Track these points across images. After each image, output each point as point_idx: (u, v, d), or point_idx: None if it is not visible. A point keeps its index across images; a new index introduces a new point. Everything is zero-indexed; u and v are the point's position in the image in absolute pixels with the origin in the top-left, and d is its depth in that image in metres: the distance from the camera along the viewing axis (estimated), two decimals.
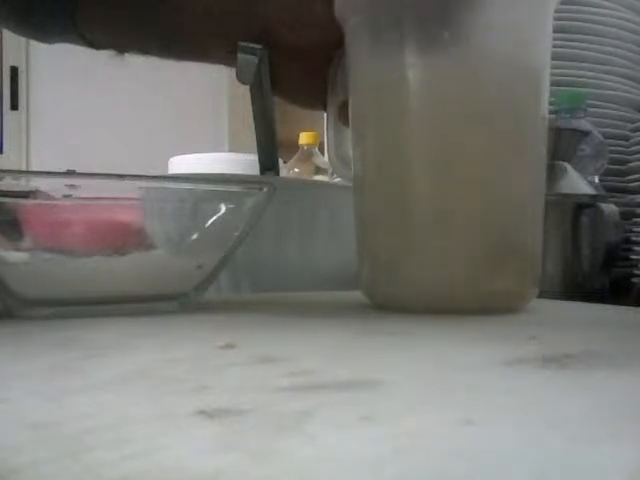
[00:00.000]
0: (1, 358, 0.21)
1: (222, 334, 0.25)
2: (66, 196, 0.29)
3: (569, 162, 0.62)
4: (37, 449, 0.11)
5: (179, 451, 0.11)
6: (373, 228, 0.35)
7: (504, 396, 0.15)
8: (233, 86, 1.79)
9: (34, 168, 2.08)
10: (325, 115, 0.43)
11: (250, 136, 0.48)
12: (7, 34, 2.18)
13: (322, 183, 0.83)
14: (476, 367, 0.19)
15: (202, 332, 0.27)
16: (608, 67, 0.77)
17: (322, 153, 1.09)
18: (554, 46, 0.35)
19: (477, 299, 0.32)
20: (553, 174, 0.60)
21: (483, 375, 0.18)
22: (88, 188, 0.30)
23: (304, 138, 1.14)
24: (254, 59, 0.42)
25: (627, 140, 0.72)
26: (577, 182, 0.61)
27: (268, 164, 0.45)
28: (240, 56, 0.42)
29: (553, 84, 0.36)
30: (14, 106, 2.26)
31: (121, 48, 0.46)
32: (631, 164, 0.70)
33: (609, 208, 0.57)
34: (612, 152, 0.72)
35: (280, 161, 0.47)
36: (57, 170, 0.32)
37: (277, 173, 0.45)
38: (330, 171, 0.94)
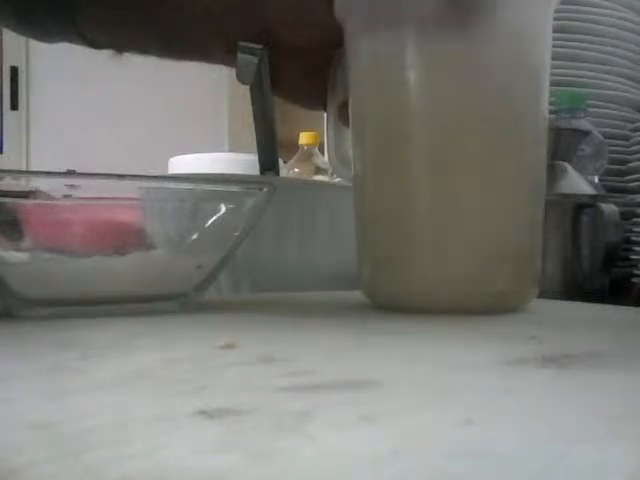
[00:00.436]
0: (1, 358, 0.21)
1: (222, 334, 0.25)
2: (66, 196, 0.29)
3: (569, 162, 0.62)
4: (37, 449, 0.11)
5: (179, 451, 0.11)
6: (373, 228, 0.35)
7: (504, 396, 0.15)
8: (233, 86, 1.79)
9: (34, 168, 2.08)
10: (325, 115, 0.43)
11: (250, 136, 0.48)
12: (7, 34, 2.18)
13: (322, 183, 0.83)
14: (476, 367, 0.19)
15: (202, 332, 0.27)
16: (608, 67, 0.77)
17: (322, 153, 1.09)
18: (554, 46, 0.35)
19: (477, 299, 0.32)
20: (553, 174, 0.60)
21: (483, 375, 0.18)
22: (88, 188, 0.30)
23: (304, 138, 1.14)
24: (254, 59, 0.42)
25: (627, 140, 0.72)
26: (577, 182, 0.61)
27: (268, 164, 0.45)
28: (240, 56, 0.42)
29: (553, 84, 0.36)
30: (14, 106, 2.26)
31: (121, 48, 0.46)
32: (631, 164, 0.70)
33: (609, 208, 0.57)
34: (612, 152, 0.72)
35: (280, 161, 0.47)
36: (57, 170, 0.32)
37: (277, 173, 0.45)
38: (330, 171, 0.94)
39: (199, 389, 0.16)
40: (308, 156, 1.13)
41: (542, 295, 0.35)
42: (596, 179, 0.69)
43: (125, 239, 0.33)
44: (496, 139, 0.32)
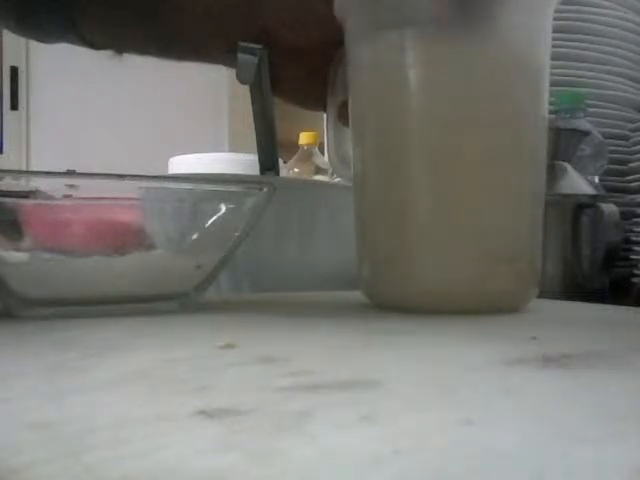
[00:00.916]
0: (1, 358, 0.21)
1: (222, 334, 0.25)
2: (66, 196, 0.29)
3: (569, 162, 0.62)
4: (37, 449, 0.11)
5: (179, 451, 0.11)
6: (373, 228, 0.35)
7: (504, 396, 0.15)
8: (233, 86, 1.79)
9: (34, 168, 2.08)
10: (325, 115, 0.43)
11: (250, 136, 0.48)
12: (7, 34, 2.18)
13: (322, 183, 0.83)
14: (476, 367, 0.19)
15: (202, 332, 0.27)
16: (608, 67, 0.77)
17: (322, 153, 1.09)
18: (554, 46, 0.35)
19: (477, 299, 0.32)
20: (553, 174, 0.60)
21: (483, 375, 0.18)
22: (88, 188, 0.30)
23: (304, 138, 1.14)
24: (254, 59, 0.42)
25: (627, 140, 0.72)
26: (577, 182, 0.61)
27: (268, 164, 0.45)
28: (240, 56, 0.42)
29: (553, 84, 0.36)
30: (14, 106, 2.26)
31: (120, 48, 0.46)
32: (631, 164, 0.70)
33: (609, 208, 0.57)
34: (612, 152, 0.72)
35: (280, 161, 0.47)
36: (57, 170, 0.32)
37: (277, 173, 0.45)
38: (330, 171, 0.94)
39: (199, 389, 0.16)
40: (308, 156, 1.13)
41: (542, 295, 0.35)
42: (596, 179, 0.69)
43: (125, 239, 0.33)
44: (496, 139, 0.32)
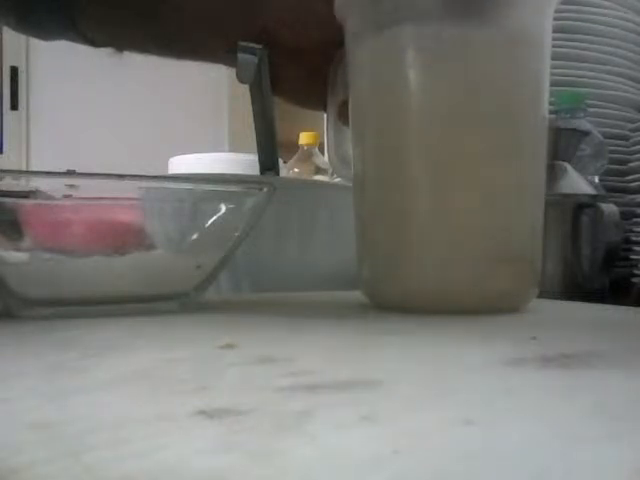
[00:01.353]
0: (1, 358, 0.21)
1: (222, 334, 0.25)
2: (66, 196, 0.29)
3: (569, 162, 0.62)
4: (37, 449, 0.11)
5: (179, 451, 0.11)
6: (373, 228, 0.35)
7: (504, 396, 0.15)
8: (233, 86, 1.79)
9: (34, 168, 2.08)
10: (325, 115, 0.43)
11: (250, 136, 0.48)
12: (7, 34, 2.18)
13: (322, 183, 0.83)
14: (476, 367, 0.19)
15: (202, 332, 0.27)
16: (608, 67, 0.77)
17: (322, 153, 1.09)
18: (554, 46, 0.35)
19: (477, 299, 0.32)
20: (553, 174, 0.60)
21: (483, 375, 0.18)
22: (88, 188, 0.30)
23: (304, 138, 1.14)
24: (254, 59, 0.42)
25: (627, 140, 0.72)
26: (577, 182, 0.61)
27: (268, 164, 0.45)
28: (240, 56, 0.42)
29: (553, 84, 0.36)
30: (14, 106, 2.26)
31: (120, 47, 0.46)
32: (631, 164, 0.70)
33: (609, 208, 0.57)
34: (612, 152, 0.72)
35: (280, 161, 0.47)
36: (57, 170, 0.32)
37: (277, 173, 0.45)
38: (330, 171, 0.94)
39: (199, 389, 0.16)
40: (308, 156, 1.13)
41: (542, 295, 0.35)
42: (596, 179, 0.69)
43: (125, 239, 0.33)
44: (496, 139, 0.32)
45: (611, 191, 0.70)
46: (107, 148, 2.07)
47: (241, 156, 0.83)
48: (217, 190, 0.34)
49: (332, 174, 0.88)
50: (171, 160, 0.87)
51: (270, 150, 0.45)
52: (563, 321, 0.32)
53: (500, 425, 0.13)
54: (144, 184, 0.33)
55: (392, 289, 0.34)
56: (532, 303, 0.34)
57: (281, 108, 0.46)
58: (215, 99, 2.36)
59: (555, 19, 0.34)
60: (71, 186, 0.29)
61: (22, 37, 2.19)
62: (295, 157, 1.14)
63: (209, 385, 0.16)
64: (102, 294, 0.31)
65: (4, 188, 0.29)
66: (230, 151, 1.95)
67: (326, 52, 0.40)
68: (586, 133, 0.65)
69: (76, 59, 1.69)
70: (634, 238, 0.65)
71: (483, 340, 0.24)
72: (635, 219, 0.67)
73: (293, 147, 1.13)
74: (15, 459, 0.11)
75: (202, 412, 0.13)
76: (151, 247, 0.34)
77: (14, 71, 2.26)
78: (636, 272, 0.63)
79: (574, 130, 0.64)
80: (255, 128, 0.45)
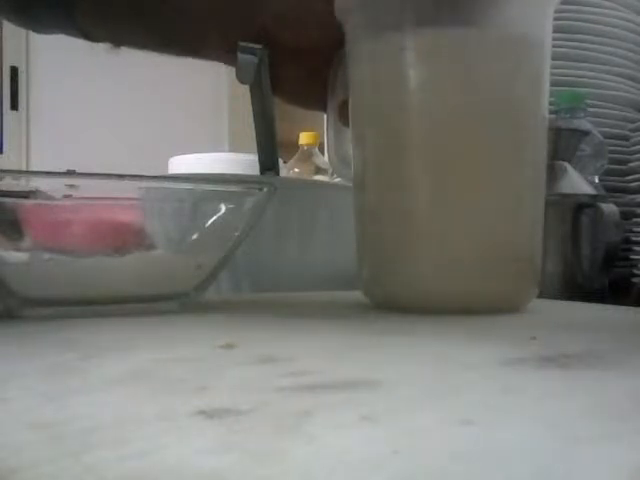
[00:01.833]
0: (1, 358, 0.21)
1: (222, 334, 0.25)
2: (66, 196, 0.29)
3: (569, 162, 0.62)
4: (37, 449, 0.11)
5: (179, 451, 0.11)
6: (373, 228, 0.35)
7: (504, 396, 0.15)
8: (233, 86, 1.79)
9: (34, 168, 2.08)
10: (325, 115, 0.43)
11: (250, 136, 0.48)
12: (7, 34, 2.18)
13: (322, 183, 0.83)
14: (476, 367, 0.19)
15: (202, 332, 0.27)
16: (608, 67, 0.77)
17: (322, 153, 1.09)
18: (554, 46, 0.35)
19: (477, 299, 0.32)
20: (553, 174, 0.60)
21: (483, 375, 0.18)
22: (88, 188, 0.30)
23: (304, 138, 1.14)
24: (254, 59, 0.42)
25: (627, 140, 0.72)
26: (577, 182, 0.62)
27: (268, 164, 0.45)
28: (240, 56, 0.42)
29: (553, 84, 0.36)
30: (14, 106, 2.26)
31: (119, 42, 0.46)
32: (631, 164, 0.70)
33: (609, 208, 0.57)
34: (612, 152, 0.72)
35: (280, 161, 0.47)
36: (57, 170, 0.32)
37: (277, 173, 0.45)
38: (330, 171, 0.94)
39: (199, 389, 0.16)
40: (308, 156, 1.13)
41: (542, 295, 0.35)
42: (596, 179, 0.69)
43: (125, 239, 0.33)
44: (496, 139, 0.32)
45: (611, 191, 0.70)
46: (107, 148, 2.07)
47: (241, 156, 0.83)
48: (217, 190, 0.34)
49: (332, 174, 0.88)
50: (171, 160, 0.87)
51: (270, 150, 0.45)
52: (563, 321, 0.32)
53: (500, 425, 0.13)
54: (144, 184, 0.33)
55: (392, 289, 0.34)
56: (532, 303, 0.34)
57: (281, 108, 0.46)
58: (215, 99, 2.36)
59: (555, 19, 0.34)
60: (71, 186, 0.29)
61: (22, 37, 2.19)
62: (295, 157, 1.14)
63: (209, 385, 0.16)
64: (102, 294, 0.31)
65: (4, 188, 0.29)
66: (230, 151, 1.95)
67: (326, 52, 0.40)
68: (586, 133, 0.65)
69: (76, 59, 1.69)
70: (634, 238, 0.65)
71: (483, 340, 0.24)
72: (635, 219, 0.67)
73: (293, 147, 1.13)
74: (15, 459, 0.11)
75: (202, 412, 0.13)
76: (151, 247, 0.34)
77: (14, 71, 2.26)
78: (636, 272, 0.63)
79: (574, 130, 0.64)
80: (255, 128, 0.45)
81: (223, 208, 0.33)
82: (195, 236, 0.34)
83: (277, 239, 0.48)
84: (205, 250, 0.34)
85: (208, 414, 0.13)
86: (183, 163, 0.84)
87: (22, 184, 0.30)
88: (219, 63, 0.46)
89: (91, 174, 0.30)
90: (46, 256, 0.31)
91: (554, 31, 0.34)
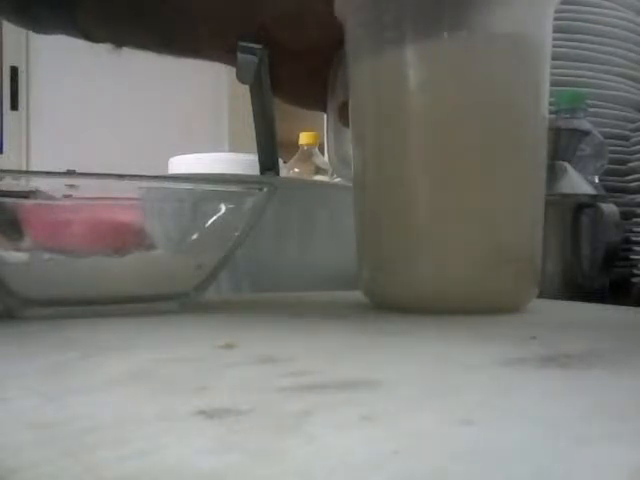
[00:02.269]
0: (1, 358, 0.21)
1: (222, 334, 0.25)
2: (66, 196, 0.29)
3: (569, 162, 0.62)
4: (37, 449, 0.11)
5: (179, 451, 0.11)
6: (373, 228, 0.35)
7: (504, 396, 0.15)
8: (233, 86, 1.79)
9: (34, 168, 2.08)
10: (325, 115, 0.43)
11: (250, 136, 0.48)
12: (7, 34, 2.18)
13: (322, 183, 0.83)
14: (476, 367, 0.19)
15: (202, 332, 0.27)
16: (608, 67, 0.77)
17: (322, 153, 1.09)
18: (554, 46, 0.35)
19: (477, 299, 0.32)
20: (553, 174, 0.60)
21: (483, 375, 0.18)
22: (88, 188, 0.30)
23: (304, 138, 1.14)
24: (254, 59, 0.42)
25: (627, 140, 0.72)
26: (577, 182, 0.62)
27: (268, 164, 0.45)
28: (240, 56, 0.42)
29: (553, 84, 0.36)
30: (14, 106, 2.26)
31: (120, 43, 0.46)
32: (631, 164, 0.70)
33: (609, 208, 0.57)
34: (612, 152, 0.72)
35: (280, 161, 0.47)
36: (57, 170, 0.32)
37: (277, 173, 0.45)
38: (330, 171, 0.94)
39: (199, 389, 0.16)
40: (308, 156, 1.13)
41: (542, 295, 0.35)
42: (596, 179, 0.69)
43: (125, 239, 0.33)
44: (496, 139, 0.32)
45: (611, 191, 0.70)
46: (107, 148, 2.07)
47: (241, 156, 0.83)
48: (217, 190, 0.34)
49: (332, 174, 0.88)
50: (171, 160, 0.87)
51: (270, 150, 0.45)
52: (563, 321, 0.32)
53: (500, 425, 0.13)
54: (144, 184, 0.33)
55: (392, 289, 0.34)
56: (532, 303, 0.34)
57: (281, 108, 0.46)
58: (215, 99, 2.36)
59: (555, 19, 0.34)
60: (71, 186, 0.29)
61: (22, 37, 2.19)
62: (295, 157, 1.14)
63: (209, 385, 0.16)
64: (102, 294, 0.31)
65: (4, 188, 0.29)
66: (230, 151, 1.95)
67: (326, 52, 0.40)
68: (586, 133, 0.65)
69: (76, 59, 1.69)
70: (634, 238, 0.65)
71: (483, 340, 0.24)
72: (635, 219, 0.67)
73: (293, 147, 1.13)
74: (15, 459, 0.11)
75: (202, 412, 0.13)
76: (151, 247, 0.34)
77: (14, 71, 2.26)
78: (636, 272, 0.63)
79: (574, 130, 0.64)
80: (255, 128, 0.45)
81: (223, 208, 0.33)
82: (195, 236, 0.34)
83: (277, 239, 0.48)
84: (205, 250, 0.34)
85: (208, 414, 0.13)
86: (183, 163, 0.84)
87: (22, 184, 0.30)
88: (219, 63, 0.46)
89: (91, 174, 0.30)
90: (46, 256, 0.31)
91: (554, 31, 0.34)
